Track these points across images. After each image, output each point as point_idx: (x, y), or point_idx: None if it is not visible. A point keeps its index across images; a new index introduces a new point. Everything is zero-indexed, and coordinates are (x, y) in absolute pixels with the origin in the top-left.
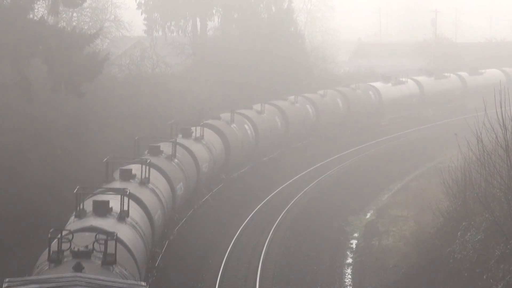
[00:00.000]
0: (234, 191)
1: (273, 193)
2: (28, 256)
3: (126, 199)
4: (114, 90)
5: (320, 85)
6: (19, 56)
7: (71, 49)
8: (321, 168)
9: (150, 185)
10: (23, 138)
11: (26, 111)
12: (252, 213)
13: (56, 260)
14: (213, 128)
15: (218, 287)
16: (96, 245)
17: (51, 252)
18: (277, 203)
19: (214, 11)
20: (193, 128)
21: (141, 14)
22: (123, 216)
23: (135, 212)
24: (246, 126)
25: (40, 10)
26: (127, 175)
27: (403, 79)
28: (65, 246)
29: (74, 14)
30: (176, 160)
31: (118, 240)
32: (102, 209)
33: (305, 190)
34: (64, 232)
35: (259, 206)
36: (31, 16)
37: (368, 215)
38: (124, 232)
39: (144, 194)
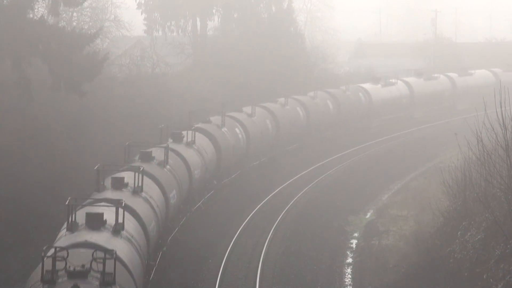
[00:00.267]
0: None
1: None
2: (28, 256)
3: (121, 211)
4: (114, 90)
5: (320, 85)
6: (19, 55)
7: (71, 49)
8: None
9: (144, 194)
10: (23, 138)
11: (26, 110)
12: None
13: (50, 281)
14: (204, 132)
15: None
16: (93, 263)
17: (44, 271)
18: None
19: (214, 10)
20: (184, 132)
21: (141, 14)
22: (118, 229)
23: (129, 224)
24: (237, 129)
25: (40, 10)
26: (119, 184)
27: (393, 80)
28: (59, 264)
29: (74, 14)
30: (168, 166)
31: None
32: (96, 222)
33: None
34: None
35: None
36: (31, 15)
37: (368, 215)
38: (120, 247)
39: (138, 205)
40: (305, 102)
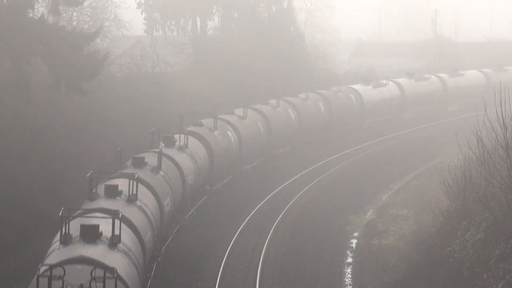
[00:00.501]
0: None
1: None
2: (28, 256)
3: (117, 222)
4: (114, 90)
5: (320, 84)
6: (19, 55)
7: (71, 48)
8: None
9: (138, 203)
10: (23, 138)
11: (26, 110)
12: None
13: None
14: (196, 136)
15: None
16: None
17: None
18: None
19: (214, 10)
20: (176, 136)
21: (141, 13)
22: (115, 242)
23: (125, 235)
24: (229, 133)
25: (40, 9)
26: (113, 192)
27: (384, 82)
28: (56, 284)
29: (74, 14)
30: (161, 172)
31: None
32: (91, 234)
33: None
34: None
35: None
36: (31, 15)
37: (368, 215)
38: (118, 262)
39: (134, 214)
40: (297, 104)
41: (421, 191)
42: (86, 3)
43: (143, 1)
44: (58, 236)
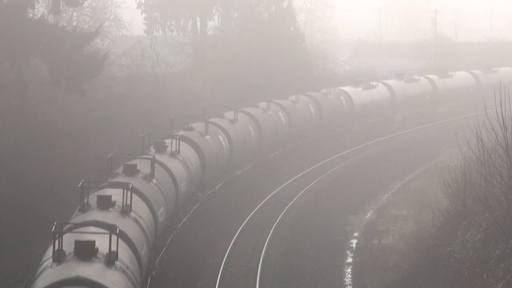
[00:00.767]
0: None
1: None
2: (28, 256)
3: (114, 237)
4: (114, 90)
5: (320, 84)
6: (19, 55)
7: (71, 48)
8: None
9: (133, 214)
10: (23, 138)
11: (26, 110)
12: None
13: None
14: (187, 141)
15: None
16: None
17: None
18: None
19: (214, 10)
20: (167, 141)
21: (141, 13)
22: (112, 259)
23: (122, 251)
24: (220, 137)
25: (40, 9)
26: (106, 203)
27: (374, 83)
28: None
29: (74, 14)
30: (154, 180)
31: None
32: (87, 251)
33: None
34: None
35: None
36: (31, 15)
37: (368, 215)
38: (116, 283)
39: (129, 228)
40: (287, 107)
41: (421, 191)
42: (86, 3)
43: (143, 1)
44: (49, 252)
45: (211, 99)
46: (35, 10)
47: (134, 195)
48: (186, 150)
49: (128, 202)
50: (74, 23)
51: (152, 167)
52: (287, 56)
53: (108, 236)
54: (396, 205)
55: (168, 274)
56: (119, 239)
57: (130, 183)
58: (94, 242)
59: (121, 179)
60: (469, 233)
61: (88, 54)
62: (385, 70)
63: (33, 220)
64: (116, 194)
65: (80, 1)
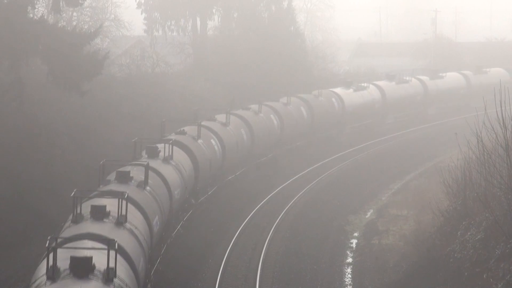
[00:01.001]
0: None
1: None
2: (28, 256)
3: (112, 252)
4: (114, 90)
5: (320, 84)
6: (18, 55)
7: (71, 48)
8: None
9: (128, 225)
10: (22, 138)
11: (26, 110)
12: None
13: None
14: (180, 145)
15: None
16: None
17: None
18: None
19: (214, 10)
20: (159, 146)
21: (141, 13)
22: (110, 277)
23: (120, 267)
24: (212, 141)
25: (40, 9)
26: (100, 214)
27: (365, 85)
28: None
29: (74, 14)
30: (148, 188)
31: None
32: (83, 268)
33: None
34: None
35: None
36: (31, 15)
37: (368, 215)
38: None
39: (126, 240)
40: (279, 109)
41: (421, 191)
42: (86, 3)
43: (143, 1)
44: (42, 268)
45: (211, 99)
46: (35, 10)
47: (129, 205)
48: (179, 155)
49: (123, 212)
50: (74, 23)
51: (146, 174)
52: (287, 56)
53: (104, 250)
54: (396, 205)
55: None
56: (118, 254)
57: (126, 192)
58: (91, 258)
59: (113, 186)
60: (469, 233)
61: (88, 54)
62: (385, 70)
63: (33, 220)
64: (111, 204)
65: (80, 1)
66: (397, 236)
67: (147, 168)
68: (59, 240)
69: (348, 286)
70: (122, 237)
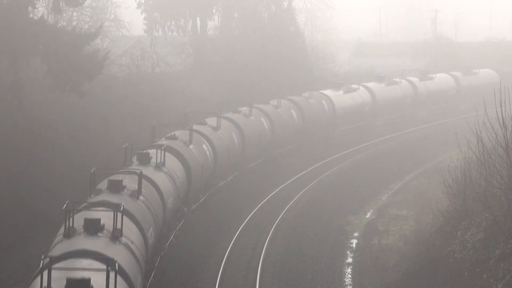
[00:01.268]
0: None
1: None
2: (28, 256)
3: (112, 273)
4: (114, 90)
5: (321, 84)
6: (18, 55)
7: (71, 49)
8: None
9: (124, 240)
10: (22, 138)
11: (23, 111)
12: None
13: None
14: (171, 151)
15: None
16: None
17: None
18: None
19: (214, 10)
20: (151, 152)
21: (141, 13)
22: None
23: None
24: (204, 146)
25: (40, 9)
26: (94, 228)
27: (355, 86)
28: None
29: (74, 14)
30: (141, 197)
31: None
32: None
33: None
34: None
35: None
36: (31, 15)
37: (368, 215)
38: None
39: (122, 257)
40: (269, 112)
41: (421, 191)
42: (86, 3)
43: (143, 1)
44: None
45: (211, 99)
46: (36, 10)
47: (124, 216)
48: (171, 162)
49: (119, 225)
50: (74, 23)
51: (140, 183)
52: (287, 56)
53: (101, 269)
54: (396, 205)
55: None
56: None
57: (121, 204)
58: (89, 280)
59: (105, 196)
60: (469, 233)
61: (88, 55)
62: (385, 70)
63: (33, 220)
64: (105, 216)
65: (80, 1)
66: (397, 236)
67: (141, 176)
68: (53, 258)
69: (348, 286)
70: (119, 254)
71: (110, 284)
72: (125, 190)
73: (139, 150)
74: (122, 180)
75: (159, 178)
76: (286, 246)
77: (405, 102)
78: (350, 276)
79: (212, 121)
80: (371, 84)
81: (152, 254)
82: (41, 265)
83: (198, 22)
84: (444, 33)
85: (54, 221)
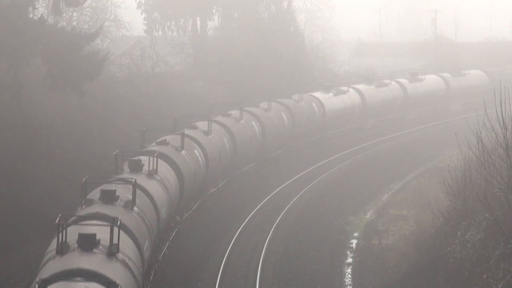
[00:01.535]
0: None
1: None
2: (28, 256)
3: None
4: (114, 90)
5: (320, 84)
6: (18, 55)
7: (71, 49)
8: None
9: (121, 256)
10: (22, 138)
11: (26, 110)
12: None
13: None
14: (163, 157)
15: None
16: None
17: None
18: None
19: (214, 10)
20: (143, 159)
21: (141, 13)
22: None
23: None
24: (196, 151)
25: (40, 9)
26: (89, 243)
27: (345, 88)
28: None
29: (74, 14)
30: (136, 209)
31: None
32: None
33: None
34: None
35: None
36: (31, 15)
37: (368, 215)
38: None
39: (120, 276)
40: (260, 115)
41: (421, 191)
42: (86, 3)
43: (143, 1)
44: None
45: (211, 99)
46: (36, 10)
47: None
48: (163, 169)
49: (115, 240)
50: (74, 23)
51: (134, 193)
52: (287, 56)
53: None
54: (396, 205)
55: None
56: None
57: (118, 217)
58: None
59: (98, 208)
60: (469, 233)
61: (88, 55)
62: (385, 71)
63: (33, 220)
64: (100, 231)
65: (81, 1)
66: (397, 236)
67: (135, 186)
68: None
69: (348, 286)
70: (116, 273)
71: None
72: (118, 201)
73: (130, 157)
74: (115, 190)
75: (152, 186)
76: (286, 246)
77: (395, 104)
78: (350, 276)
79: (202, 125)
80: (360, 86)
81: (147, 268)
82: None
83: (198, 22)
84: (444, 33)
85: (54, 221)
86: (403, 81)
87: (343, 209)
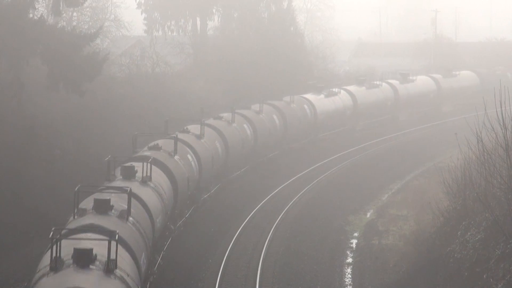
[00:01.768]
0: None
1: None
2: (28, 256)
3: None
4: (114, 90)
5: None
6: (18, 55)
7: (71, 49)
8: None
9: (118, 272)
10: (23, 138)
11: (22, 111)
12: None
13: None
14: (156, 163)
15: None
16: None
17: None
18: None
19: (214, 10)
20: (136, 165)
21: (141, 13)
22: None
23: None
24: (189, 156)
25: (40, 9)
26: (86, 259)
27: (336, 90)
28: None
29: (74, 14)
30: (131, 219)
31: None
32: None
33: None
34: None
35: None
36: (31, 15)
37: (368, 215)
38: None
39: None
40: (252, 118)
41: (421, 191)
42: (86, 3)
43: (143, 1)
44: None
45: (211, 99)
46: (36, 10)
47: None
48: (157, 175)
49: (113, 256)
50: (74, 23)
51: (129, 203)
52: (287, 56)
53: None
54: (396, 205)
55: None
56: None
57: (115, 231)
58: None
59: (92, 218)
60: (469, 233)
61: (88, 55)
62: (386, 71)
63: (33, 220)
64: (97, 245)
65: (81, 1)
66: (397, 236)
67: (130, 195)
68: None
69: (348, 286)
70: None
71: None
72: (113, 211)
73: (123, 163)
74: (109, 200)
75: (147, 194)
76: (287, 245)
77: (386, 105)
78: (350, 276)
79: (194, 128)
80: (351, 88)
81: (143, 282)
82: None
83: (198, 22)
84: (444, 33)
85: (54, 221)
86: (394, 82)
87: (343, 209)
